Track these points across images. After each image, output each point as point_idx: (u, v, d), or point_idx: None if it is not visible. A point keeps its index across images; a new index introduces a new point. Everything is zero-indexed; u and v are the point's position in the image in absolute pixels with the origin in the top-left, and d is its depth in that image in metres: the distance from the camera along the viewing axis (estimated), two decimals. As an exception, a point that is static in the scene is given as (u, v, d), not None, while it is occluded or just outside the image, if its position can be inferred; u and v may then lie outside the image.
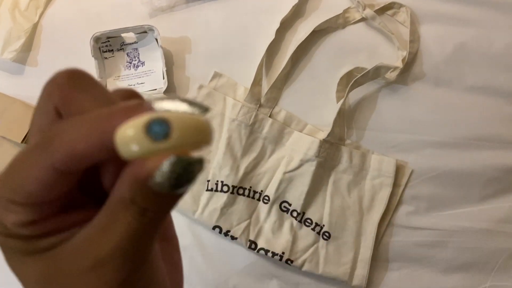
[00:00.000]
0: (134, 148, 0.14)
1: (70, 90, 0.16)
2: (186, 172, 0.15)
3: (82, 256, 0.16)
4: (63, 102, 0.16)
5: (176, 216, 0.64)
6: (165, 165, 0.14)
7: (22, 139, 0.63)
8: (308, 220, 0.63)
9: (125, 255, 0.16)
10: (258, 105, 0.65)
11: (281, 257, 0.61)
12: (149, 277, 0.18)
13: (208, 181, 0.63)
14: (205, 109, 0.16)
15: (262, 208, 0.63)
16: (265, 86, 0.66)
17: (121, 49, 0.67)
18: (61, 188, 0.16)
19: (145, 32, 0.66)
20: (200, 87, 0.65)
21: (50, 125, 0.17)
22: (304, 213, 0.63)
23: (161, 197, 0.16)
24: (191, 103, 0.15)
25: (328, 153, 0.63)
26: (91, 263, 0.16)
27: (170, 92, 0.65)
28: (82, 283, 0.16)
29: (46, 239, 0.17)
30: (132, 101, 0.16)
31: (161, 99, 0.16)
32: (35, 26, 0.69)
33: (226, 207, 0.63)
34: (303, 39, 0.65)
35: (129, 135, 0.14)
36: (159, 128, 0.14)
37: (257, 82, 0.65)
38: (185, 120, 0.15)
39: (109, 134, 0.15)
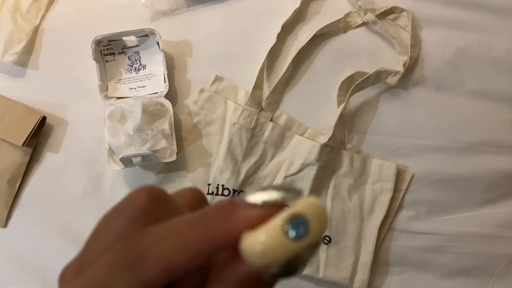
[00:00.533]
0: (273, 253, 0.13)
1: (154, 216, 0.16)
2: (305, 257, 0.14)
3: None
4: (148, 225, 0.16)
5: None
6: (288, 258, 0.14)
7: (22, 142, 0.63)
8: (309, 224, 0.63)
9: None
10: (259, 109, 0.65)
11: (282, 261, 0.61)
12: None
13: (209, 184, 0.63)
14: (299, 193, 0.15)
15: (263, 212, 0.63)
16: (266, 90, 0.66)
17: (122, 53, 0.67)
18: None
19: (147, 35, 0.66)
20: (201, 90, 0.65)
21: (132, 235, 0.16)
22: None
23: (269, 284, 0.16)
24: (285, 189, 0.15)
25: (329, 157, 0.63)
26: None
27: (171, 95, 0.65)
28: None
29: None
30: (222, 202, 0.15)
31: (253, 192, 0.15)
32: (36, 29, 0.69)
33: (226, 211, 0.62)
34: (304, 43, 0.65)
35: (264, 241, 0.14)
36: (299, 227, 0.14)
37: (258, 85, 0.65)
38: (314, 208, 0.14)
39: (210, 241, 0.14)
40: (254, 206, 0.15)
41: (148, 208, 0.16)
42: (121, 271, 0.15)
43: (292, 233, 0.13)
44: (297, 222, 0.14)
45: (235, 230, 0.15)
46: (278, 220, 0.14)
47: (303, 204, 0.14)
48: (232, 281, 0.15)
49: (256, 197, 0.15)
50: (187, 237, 0.15)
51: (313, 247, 0.14)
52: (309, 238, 0.14)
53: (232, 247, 0.15)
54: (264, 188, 0.15)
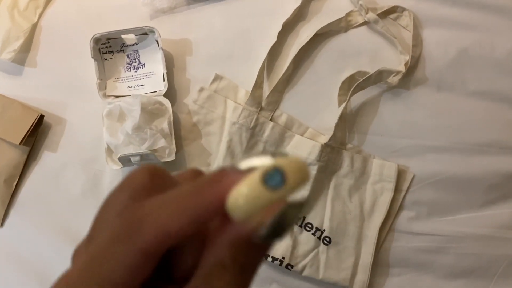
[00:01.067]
0: (253, 204, 0.14)
1: (154, 191, 0.17)
2: (291, 217, 0.15)
3: None
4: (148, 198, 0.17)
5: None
6: (274, 217, 0.15)
7: (20, 141, 0.62)
8: (309, 225, 0.63)
9: None
10: (259, 108, 0.64)
11: (281, 262, 0.61)
12: None
13: (208, 184, 0.63)
14: (286, 156, 0.16)
15: (263, 212, 0.63)
16: (267, 89, 0.65)
17: (121, 51, 0.66)
18: (146, 271, 0.16)
19: (146, 33, 0.65)
20: (201, 89, 0.65)
21: (132, 207, 0.17)
22: (304, 218, 0.63)
23: (261, 249, 0.16)
24: (273, 154, 0.16)
25: (330, 158, 0.62)
26: None
27: (171, 94, 0.65)
28: None
29: None
30: (213, 171, 0.16)
31: (244, 159, 0.16)
32: (34, 27, 0.68)
33: (226, 211, 0.62)
34: (305, 42, 0.64)
35: (245, 193, 0.14)
36: (276, 177, 0.14)
37: (258, 85, 0.64)
38: (293, 163, 0.15)
39: (203, 207, 0.15)
40: (243, 171, 0.15)
41: (148, 184, 0.17)
42: (122, 240, 0.15)
43: (269, 183, 0.14)
44: (275, 173, 0.14)
45: (224, 194, 0.15)
46: (256, 173, 0.14)
47: (282, 159, 0.15)
48: (225, 245, 0.16)
49: (245, 163, 0.16)
50: (181, 204, 0.15)
51: (297, 207, 0.15)
52: (286, 187, 0.14)
53: (223, 212, 0.15)
54: (253, 155, 0.16)
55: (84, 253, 0.17)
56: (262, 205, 0.14)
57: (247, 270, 0.16)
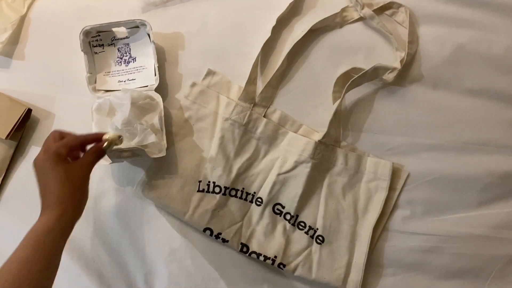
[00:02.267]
0: (110, 136, 0.50)
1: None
2: (114, 143, 0.51)
3: (80, 169, 0.48)
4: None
5: (167, 219, 0.63)
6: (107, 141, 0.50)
7: (6, 135, 0.60)
8: (302, 223, 0.61)
9: (89, 168, 0.49)
10: (252, 104, 0.63)
11: (273, 261, 0.60)
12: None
13: (200, 181, 0.61)
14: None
15: (255, 210, 0.62)
16: (260, 85, 0.64)
17: (112, 44, 0.64)
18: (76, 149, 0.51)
19: (137, 27, 0.64)
20: (193, 84, 0.63)
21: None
22: (297, 216, 0.62)
23: (103, 151, 0.50)
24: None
25: (323, 155, 0.61)
26: (83, 170, 0.49)
27: (162, 89, 0.64)
28: (78, 177, 0.48)
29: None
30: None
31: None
32: (22, 18, 0.67)
33: (217, 209, 0.61)
34: (300, 37, 0.63)
35: (110, 135, 0.50)
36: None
37: (251, 80, 0.63)
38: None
39: (96, 137, 0.51)
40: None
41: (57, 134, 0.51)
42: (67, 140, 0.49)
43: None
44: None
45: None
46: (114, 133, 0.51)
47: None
48: (94, 148, 0.50)
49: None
50: (89, 137, 0.51)
51: (117, 140, 0.51)
52: (112, 135, 0.50)
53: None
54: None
55: None
56: (112, 137, 0.50)
57: (98, 157, 0.50)
